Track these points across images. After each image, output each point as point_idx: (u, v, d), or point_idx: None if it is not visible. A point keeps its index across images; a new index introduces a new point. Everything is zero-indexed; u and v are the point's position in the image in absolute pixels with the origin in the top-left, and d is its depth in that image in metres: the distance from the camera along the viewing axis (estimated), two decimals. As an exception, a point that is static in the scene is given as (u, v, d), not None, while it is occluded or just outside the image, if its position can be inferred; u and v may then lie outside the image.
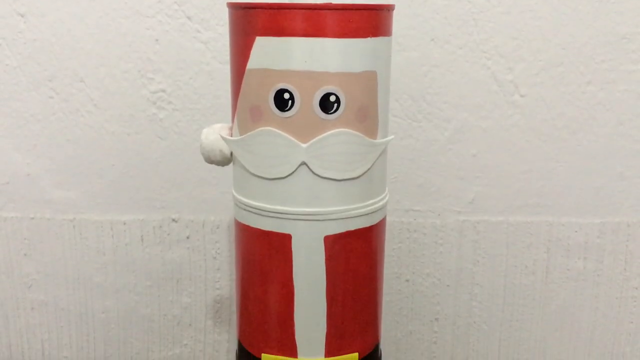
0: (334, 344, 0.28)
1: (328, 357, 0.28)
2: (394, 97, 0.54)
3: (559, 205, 0.55)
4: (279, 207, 0.27)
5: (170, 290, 0.58)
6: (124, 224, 0.56)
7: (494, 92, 0.53)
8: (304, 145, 0.26)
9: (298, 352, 0.28)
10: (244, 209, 0.29)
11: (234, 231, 0.30)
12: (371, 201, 0.28)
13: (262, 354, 0.28)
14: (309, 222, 0.27)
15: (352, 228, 0.28)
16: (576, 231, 0.56)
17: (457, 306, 0.58)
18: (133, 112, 0.54)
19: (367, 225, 0.28)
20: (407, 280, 0.57)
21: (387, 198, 0.30)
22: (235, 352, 0.31)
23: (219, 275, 0.57)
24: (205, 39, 0.53)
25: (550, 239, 0.56)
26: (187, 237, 0.56)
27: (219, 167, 0.55)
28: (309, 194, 0.27)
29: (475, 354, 0.59)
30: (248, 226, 0.28)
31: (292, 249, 0.27)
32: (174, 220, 0.56)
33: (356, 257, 0.28)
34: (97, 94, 0.54)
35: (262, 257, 0.28)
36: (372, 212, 0.28)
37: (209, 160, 0.30)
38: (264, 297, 0.28)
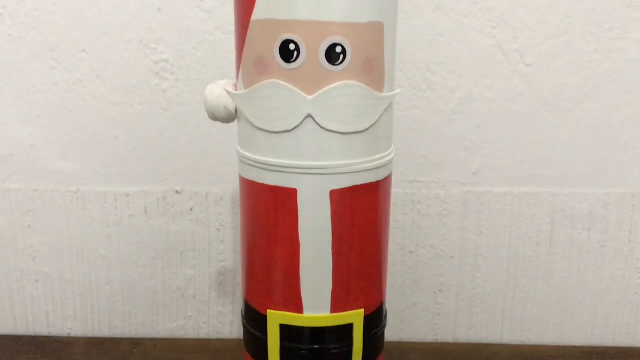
0: (340, 300, 0.28)
1: (334, 312, 0.28)
2: (397, 67, 0.53)
3: (564, 176, 0.55)
4: (284, 161, 0.27)
5: (174, 262, 0.58)
6: (128, 195, 0.56)
7: (499, 61, 0.53)
8: (309, 97, 0.26)
9: (304, 307, 0.28)
10: (249, 165, 0.28)
11: (239, 193, 0.30)
12: (377, 156, 0.28)
13: (268, 310, 0.28)
14: (315, 177, 0.27)
15: (358, 183, 0.27)
16: (581, 202, 0.56)
17: (461, 278, 0.58)
18: (135, 83, 0.54)
19: (374, 180, 0.28)
20: (411, 252, 0.57)
21: (393, 154, 0.29)
22: (240, 311, 0.31)
23: (223, 247, 0.57)
24: (208, 8, 0.52)
25: (554, 210, 0.56)
26: (191, 209, 0.56)
27: (223, 139, 0.55)
28: (315, 147, 0.27)
29: (479, 325, 0.59)
30: (253, 182, 0.28)
31: (298, 204, 0.27)
32: (177, 192, 0.56)
33: (362, 213, 0.28)
34: (99, 64, 0.53)
35: (268, 213, 0.28)
36: (378, 168, 0.28)
37: (214, 117, 0.29)
38: (269, 253, 0.28)
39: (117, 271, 0.58)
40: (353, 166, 0.27)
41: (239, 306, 0.59)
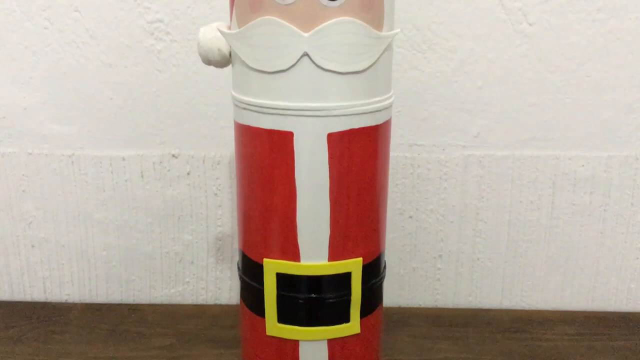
0: (337, 248, 0.27)
1: (332, 261, 0.27)
2: (397, 27, 0.52)
3: (566, 138, 0.54)
4: (280, 103, 0.26)
5: (171, 227, 0.57)
6: (123, 159, 0.55)
7: (501, 20, 0.52)
8: (305, 35, 0.25)
9: (301, 256, 0.27)
10: (244, 108, 0.28)
11: (237, 136, 0.29)
12: (376, 99, 0.27)
13: (264, 259, 0.28)
14: (312, 119, 0.26)
15: (356, 126, 0.27)
16: (583, 165, 0.55)
17: (461, 243, 0.57)
18: (130, 44, 0.53)
19: (372, 124, 0.27)
20: (411, 217, 0.57)
21: (392, 99, 0.29)
22: (237, 264, 0.30)
23: (221, 212, 0.57)
24: (203, -35, 0.51)
25: (556, 174, 0.55)
26: (188, 173, 0.56)
27: (220, 101, 0.54)
28: (312, 88, 0.26)
29: (479, 291, 0.58)
30: (248, 126, 0.27)
31: (294, 148, 0.26)
32: (173, 155, 0.55)
33: (360, 158, 0.27)
34: (93, 24, 0.52)
35: (263, 158, 0.27)
36: (377, 111, 0.27)
37: (207, 61, 0.28)
38: (265, 199, 0.27)
39: (114, 236, 0.57)
40: (351, 108, 0.26)
41: (237, 271, 0.58)
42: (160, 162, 0.55)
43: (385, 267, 0.30)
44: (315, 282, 0.28)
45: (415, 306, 0.59)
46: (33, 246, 0.57)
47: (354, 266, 0.28)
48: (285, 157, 0.26)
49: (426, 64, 0.53)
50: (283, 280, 0.28)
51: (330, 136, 0.26)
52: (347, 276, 0.28)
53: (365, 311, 0.29)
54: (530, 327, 0.55)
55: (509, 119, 0.54)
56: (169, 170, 0.56)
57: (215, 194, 0.56)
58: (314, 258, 0.27)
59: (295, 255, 0.27)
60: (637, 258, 0.57)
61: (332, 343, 0.29)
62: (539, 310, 0.58)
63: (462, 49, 0.52)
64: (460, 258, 0.58)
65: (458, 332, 0.54)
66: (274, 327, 0.28)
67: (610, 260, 0.57)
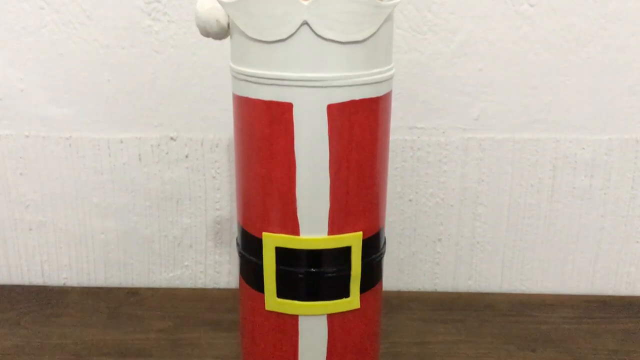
0: (337, 221, 0.27)
1: (331, 235, 0.27)
2: (397, 8, 0.52)
3: (567, 121, 0.54)
4: (279, 74, 0.26)
5: (170, 210, 0.57)
6: (121, 142, 0.55)
7: (502, 2, 0.51)
8: (305, 3, 0.25)
9: (300, 229, 0.27)
10: (243, 80, 0.27)
11: (235, 107, 0.29)
12: (377, 70, 0.27)
13: (264, 233, 0.27)
14: (312, 89, 0.26)
15: (357, 97, 0.26)
16: (583, 148, 0.55)
17: (461, 226, 0.57)
18: (127, 24, 0.52)
19: (373, 96, 0.27)
20: (410, 200, 0.56)
21: (393, 71, 0.28)
22: (235, 240, 0.30)
23: (219, 195, 0.56)
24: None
25: (556, 157, 0.55)
26: (186, 156, 0.55)
27: (218, 83, 0.54)
28: (312, 57, 0.25)
29: (478, 275, 0.58)
30: (247, 98, 0.27)
31: (294, 119, 0.26)
32: (172, 138, 0.55)
33: (361, 130, 0.27)
34: (89, 4, 0.52)
35: (262, 130, 0.27)
36: (378, 82, 0.27)
37: (205, 33, 0.28)
38: (264, 172, 0.27)
39: (112, 220, 0.57)
40: (352, 79, 0.26)
41: (236, 255, 0.58)
42: (159, 145, 0.55)
43: (385, 243, 0.30)
44: (314, 256, 0.27)
45: (414, 290, 0.59)
46: (31, 230, 0.57)
47: (354, 240, 0.28)
48: (285, 129, 0.26)
49: (426, 45, 0.53)
50: (282, 254, 0.27)
51: (331, 107, 0.26)
52: (347, 250, 0.28)
53: (365, 286, 0.29)
54: (530, 311, 0.55)
55: (509, 101, 0.54)
56: (167, 153, 0.55)
57: (214, 177, 0.56)
58: (314, 232, 0.27)
59: (294, 229, 0.27)
60: (637, 242, 0.57)
61: (332, 318, 0.28)
62: (538, 294, 0.58)
63: (463, 30, 0.52)
64: (460, 242, 0.57)
65: (457, 315, 0.54)
66: (273, 302, 0.28)
67: (610, 243, 0.57)
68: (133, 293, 0.57)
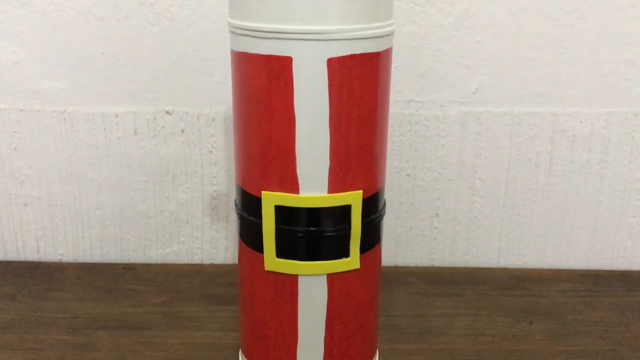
0: (337, 179, 0.27)
1: (331, 193, 0.27)
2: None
3: (565, 94, 0.54)
4: (278, 27, 0.25)
5: (166, 185, 0.56)
6: (116, 116, 0.54)
7: (500, -27, 0.51)
8: (304, -46, 0.24)
9: (300, 187, 0.27)
10: (241, 35, 0.27)
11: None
12: (377, 24, 0.26)
13: (263, 192, 0.27)
14: (311, 42, 0.25)
15: (357, 52, 0.26)
16: (581, 122, 0.54)
17: (458, 201, 0.57)
18: (122, -4, 0.51)
19: (373, 50, 0.26)
20: (408, 175, 0.56)
21: (394, 27, 0.28)
22: (234, 202, 0.29)
23: (216, 170, 0.56)
24: None
25: (554, 130, 0.55)
26: (182, 131, 0.55)
27: (214, 56, 0.53)
28: (311, 10, 0.25)
29: (475, 250, 0.58)
30: (245, 54, 0.27)
31: (293, 74, 0.26)
32: (167, 112, 0.54)
33: (361, 85, 0.26)
34: (84, -25, 0.51)
35: (261, 86, 0.26)
36: (378, 37, 0.26)
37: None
38: (263, 129, 0.26)
39: (108, 195, 0.56)
40: (352, 32, 0.25)
41: (233, 231, 0.58)
42: (154, 119, 0.55)
43: (385, 205, 0.30)
44: (314, 215, 0.27)
45: (412, 265, 0.59)
46: (26, 205, 0.57)
47: (353, 199, 0.27)
48: (284, 84, 0.26)
49: (424, 17, 0.52)
50: (282, 213, 0.27)
51: (330, 61, 0.26)
52: (346, 209, 0.27)
53: (365, 247, 0.28)
54: (527, 285, 0.55)
55: (507, 74, 0.53)
56: (162, 127, 0.55)
57: (210, 152, 0.55)
58: (314, 190, 0.27)
59: (294, 187, 0.27)
60: (634, 216, 0.57)
61: (332, 278, 0.28)
62: (535, 269, 0.58)
63: (461, 2, 0.52)
64: (457, 216, 0.57)
65: (455, 289, 0.54)
66: (272, 262, 0.28)
67: (608, 218, 0.57)
68: (129, 269, 0.57)
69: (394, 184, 0.56)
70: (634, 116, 0.54)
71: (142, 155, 0.55)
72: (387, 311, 0.50)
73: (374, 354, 0.32)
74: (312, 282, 0.28)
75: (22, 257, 0.58)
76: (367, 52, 0.26)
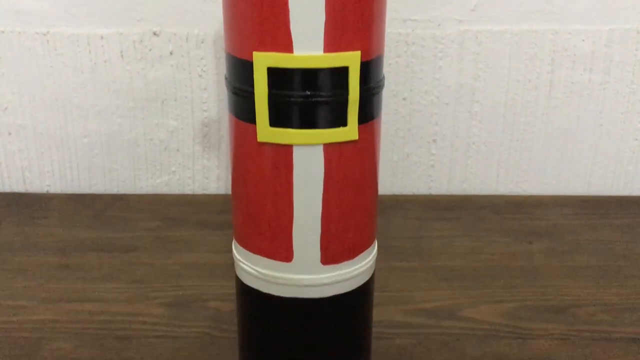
0: (333, 37, 0.25)
1: (327, 52, 0.25)
2: None
3: (566, 11, 0.52)
4: None
5: (155, 112, 0.55)
6: (102, 38, 0.52)
7: None
8: None
9: (294, 46, 0.25)
10: None
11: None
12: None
13: (254, 53, 0.25)
14: None
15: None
16: (583, 40, 0.53)
17: (456, 126, 0.55)
18: None
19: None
20: (404, 99, 0.55)
21: None
22: (224, 76, 0.28)
23: (206, 95, 0.54)
24: None
25: (555, 50, 0.53)
26: (171, 53, 0.53)
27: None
28: None
29: (473, 177, 0.57)
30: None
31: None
32: (155, 33, 0.52)
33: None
34: None
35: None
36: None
37: None
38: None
39: (95, 122, 0.55)
40: None
41: (225, 160, 0.56)
42: (141, 41, 0.52)
43: (384, 77, 0.28)
44: (309, 77, 0.25)
45: (409, 194, 0.57)
46: (10, 134, 0.55)
47: (351, 60, 0.26)
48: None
49: None
50: (275, 75, 0.26)
51: None
52: (344, 71, 0.26)
53: (363, 118, 0.27)
54: (527, 209, 0.54)
55: (507, -10, 0.52)
56: (150, 50, 0.53)
57: (200, 76, 0.54)
58: (308, 48, 0.25)
59: (287, 46, 0.25)
60: (636, 139, 0.56)
61: (329, 149, 0.27)
62: (535, 196, 0.57)
63: None
64: (455, 143, 0.56)
65: (453, 214, 0.53)
66: (266, 131, 0.26)
67: (609, 142, 0.56)
68: (119, 199, 0.55)
69: (390, 108, 0.55)
70: (637, 33, 0.53)
71: (130, 79, 0.53)
72: (383, 234, 0.49)
73: (373, 240, 0.30)
74: (308, 153, 0.26)
75: (7, 189, 0.56)
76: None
